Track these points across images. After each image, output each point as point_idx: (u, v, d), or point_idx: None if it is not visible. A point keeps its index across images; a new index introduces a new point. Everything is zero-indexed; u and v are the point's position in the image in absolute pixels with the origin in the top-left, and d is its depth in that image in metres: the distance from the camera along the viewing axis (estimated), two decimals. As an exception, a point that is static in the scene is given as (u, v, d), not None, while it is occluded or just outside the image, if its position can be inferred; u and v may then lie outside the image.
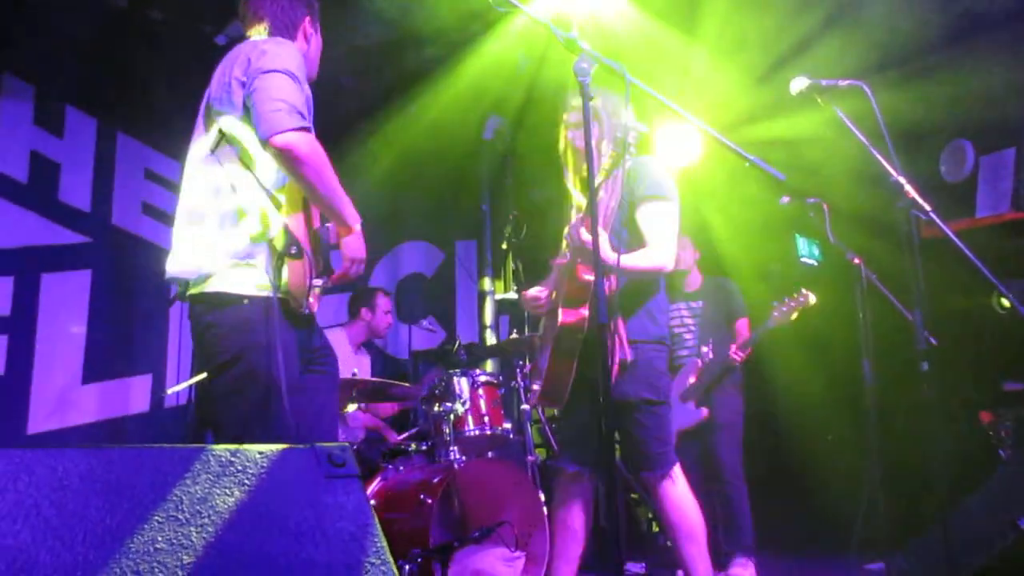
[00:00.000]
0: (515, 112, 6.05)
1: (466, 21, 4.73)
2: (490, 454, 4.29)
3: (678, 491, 2.89)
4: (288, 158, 2.24)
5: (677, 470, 2.91)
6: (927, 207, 2.49)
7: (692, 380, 4.59)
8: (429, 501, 3.52)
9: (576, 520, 3.01)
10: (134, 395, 4.88)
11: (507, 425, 4.24)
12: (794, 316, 4.37)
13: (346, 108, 5.62)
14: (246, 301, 2.30)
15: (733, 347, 4.51)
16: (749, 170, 2.59)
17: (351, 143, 5.50)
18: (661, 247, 2.88)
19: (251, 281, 2.32)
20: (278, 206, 2.36)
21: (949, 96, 4.51)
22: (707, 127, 2.34)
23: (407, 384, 4.53)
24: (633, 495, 5.76)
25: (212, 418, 2.52)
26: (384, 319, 5.22)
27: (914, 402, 2.79)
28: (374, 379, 4.56)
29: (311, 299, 2.41)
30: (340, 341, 5.02)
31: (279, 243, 2.32)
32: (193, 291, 2.38)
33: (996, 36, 4.46)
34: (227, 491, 1.24)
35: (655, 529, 5.43)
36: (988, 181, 4.84)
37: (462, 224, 6.73)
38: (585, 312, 2.79)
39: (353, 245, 2.48)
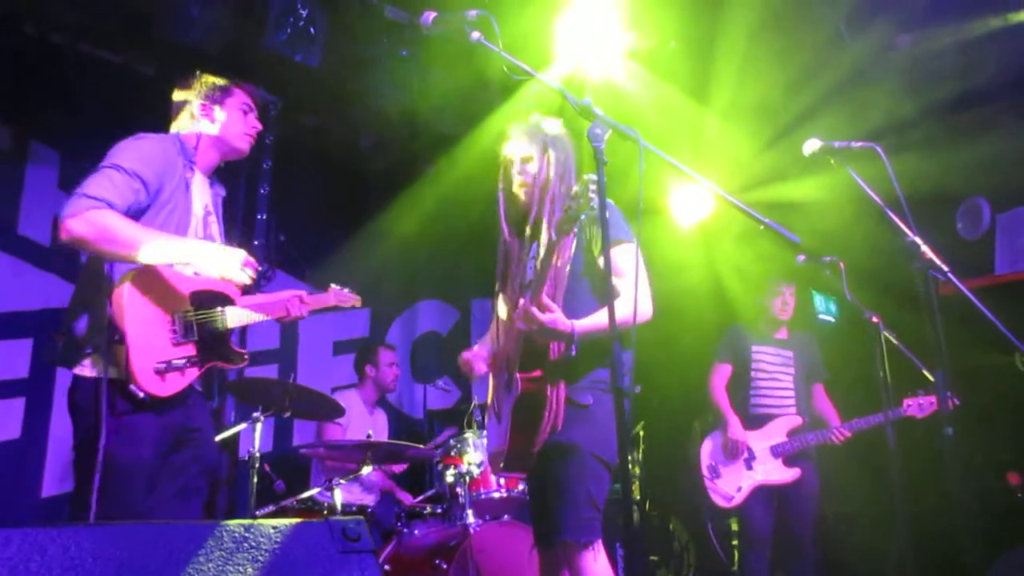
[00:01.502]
0: (530, 173, 6.12)
1: (482, 87, 4.82)
2: (506, 516, 4.22)
3: (599, 568, 2.52)
4: (66, 239, 2.41)
5: (600, 544, 2.56)
6: (944, 267, 2.47)
7: (784, 437, 4.46)
8: (444, 566, 3.47)
9: None
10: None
11: (523, 487, 4.19)
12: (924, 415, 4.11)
13: (367, 171, 5.72)
14: (81, 383, 2.47)
15: (841, 427, 4.37)
16: (764, 229, 2.60)
17: (371, 205, 5.57)
18: (645, 295, 2.62)
19: (87, 363, 2.46)
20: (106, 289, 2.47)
21: (964, 156, 4.53)
22: (721, 191, 2.35)
23: (421, 446, 4.49)
24: (653, 557, 5.66)
25: None
26: (389, 372, 5.21)
27: (939, 465, 2.73)
28: (388, 441, 4.53)
29: (160, 382, 2.45)
30: (353, 403, 5.01)
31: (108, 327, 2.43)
32: None
33: (1007, 97, 4.50)
34: (240, 568, 1.22)
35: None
36: (1005, 238, 4.83)
37: (477, 283, 6.75)
38: (539, 374, 2.60)
39: (210, 266, 2.54)
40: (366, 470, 4.05)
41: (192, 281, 2.61)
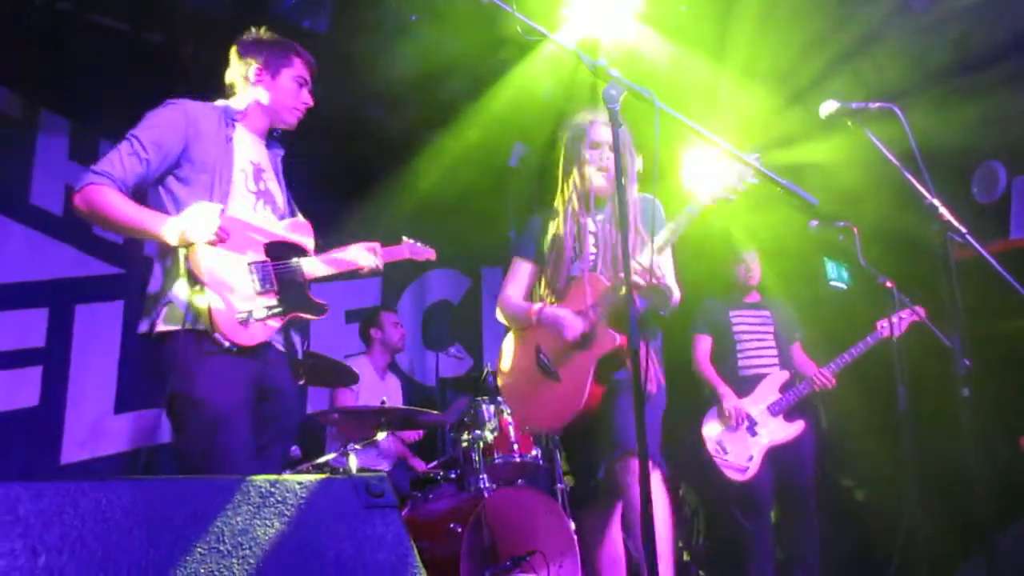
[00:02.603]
0: (541, 139, 6.08)
1: (495, 49, 4.78)
2: (519, 482, 4.26)
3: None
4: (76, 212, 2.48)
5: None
6: (963, 229, 2.46)
7: (778, 394, 4.49)
8: (459, 530, 3.50)
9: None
10: (166, 424, 4.92)
11: (536, 452, 4.22)
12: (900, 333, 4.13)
13: (376, 138, 5.69)
14: (164, 339, 2.48)
15: (821, 370, 4.40)
16: (775, 194, 2.58)
17: (380, 173, 5.55)
18: (675, 284, 3.00)
19: (169, 317, 2.48)
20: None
21: (981, 118, 4.47)
22: (737, 152, 2.33)
23: (435, 412, 4.52)
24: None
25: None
26: (395, 332, 5.25)
27: (952, 428, 2.73)
28: (402, 407, 4.56)
29: (244, 331, 2.45)
30: (365, 370, 5.03)
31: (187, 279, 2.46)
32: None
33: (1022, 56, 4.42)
34: (267, 522, 1.24)
35: (687, 558, 5.36)
36: (1021, 202, 4.77)
37: (488, 251, 6.74)
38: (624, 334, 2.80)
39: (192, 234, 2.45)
40: (380, 436, 4.08)
41: (265, 232, 2.64)
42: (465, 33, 4.63)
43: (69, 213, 4.58)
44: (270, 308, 2.52)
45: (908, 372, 3.64)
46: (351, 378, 4.30)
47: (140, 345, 4.77)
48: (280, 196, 2.82)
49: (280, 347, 2.70)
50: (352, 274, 2.95)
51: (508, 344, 3.23)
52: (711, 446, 4.49)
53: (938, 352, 4.11)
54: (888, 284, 3.79)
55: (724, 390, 4.51)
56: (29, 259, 4.51)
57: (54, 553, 1.06)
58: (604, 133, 3.04)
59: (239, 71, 2.81)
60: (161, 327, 2.47)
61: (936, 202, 2.49)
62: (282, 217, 2.80)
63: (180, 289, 2.46)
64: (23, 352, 4.43)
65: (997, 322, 4.28)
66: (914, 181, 2.49)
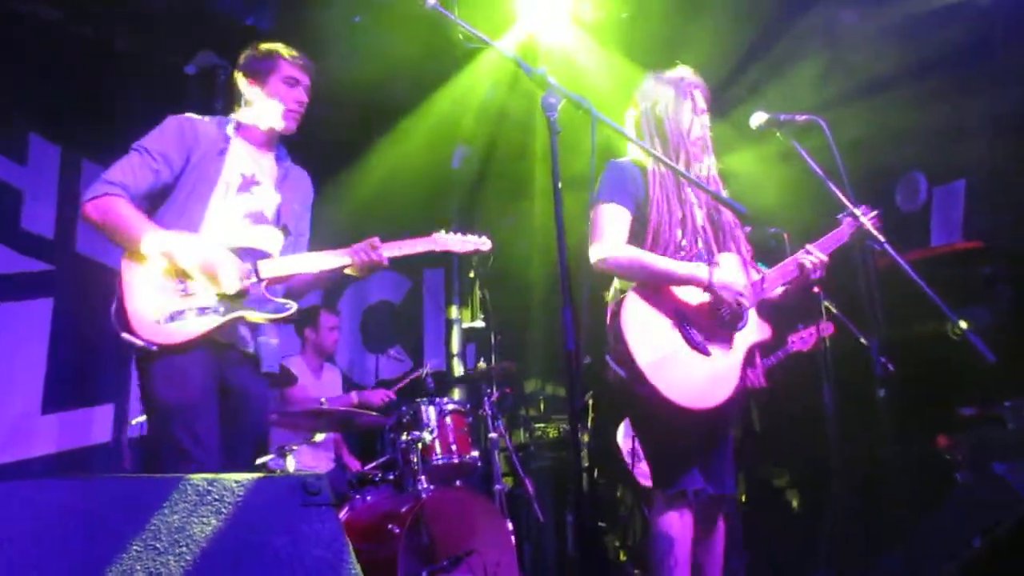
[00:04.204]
0: (483, 142, 6.13)
1: (438, 52, 4.80)
2: (458, 483, 4.28)
3: None
4: (86, 221, 2.62)
5: None
6: (881, 238, 2.58)
7: None
8: (397, 531, 3.51)
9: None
10: (96, 425, 4.80)
11: (475, 453, 4.25)
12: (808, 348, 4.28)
13: (319, 139, 5.65)
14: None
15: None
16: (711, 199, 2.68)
17: (324, 172, 5.51)
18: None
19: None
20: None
21: (904, 130, 4.67)
22: (669, 161, 2.41)
23: (374, 412, 4.52)
24: (601, 523, 5.78)
25: None
26: (329, 336, 5.15)
27: (874, 427, 2.86)
28: (341, 408, 4.54)
29: (161, 330, 2.54)
30: (300, 370, 4.98)
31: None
32: None
33: (946, 73, 4.64)
34: (205, 520, 1.25)
35: (623, 558, 5.45)
36: (941, 211, 5.00)
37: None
38: None
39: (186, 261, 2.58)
40: (319, 437, 4.06)
41: (234, 241, 2.70)
42: (408, 36, 4.65)
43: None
44: (201, 309, 2.56)
45: (835, 372, 3.79)
46: (287, 380, 4.27)
47: (71, 344, 4.69)
48: (271, 207, 2.85)
49: (247, 350, 2.74)
50: None
51: (635, 303, 2.74)
52: (625, 452, 4.57)
53: (864, 353, 4.29)
54: (816, 289, 3.93)
55: None
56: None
57: (-12, 552, 1.05)
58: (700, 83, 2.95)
59: (238, 86, 2.88)
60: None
61: (857, 211, 2.61)
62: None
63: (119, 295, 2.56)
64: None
65: (918, 326, 4.48)
66: (836, 191, 2.60)
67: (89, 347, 4.79)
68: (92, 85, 4.78)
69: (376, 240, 2.86)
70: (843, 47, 4.66)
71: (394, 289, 6.80)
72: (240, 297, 2.64)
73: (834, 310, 3.87)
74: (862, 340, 3.78)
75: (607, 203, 2.78)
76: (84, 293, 4.82)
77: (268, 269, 2.71)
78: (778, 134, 2.84)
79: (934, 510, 3.31)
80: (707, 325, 2.76)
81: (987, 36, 4.54)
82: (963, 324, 3.24)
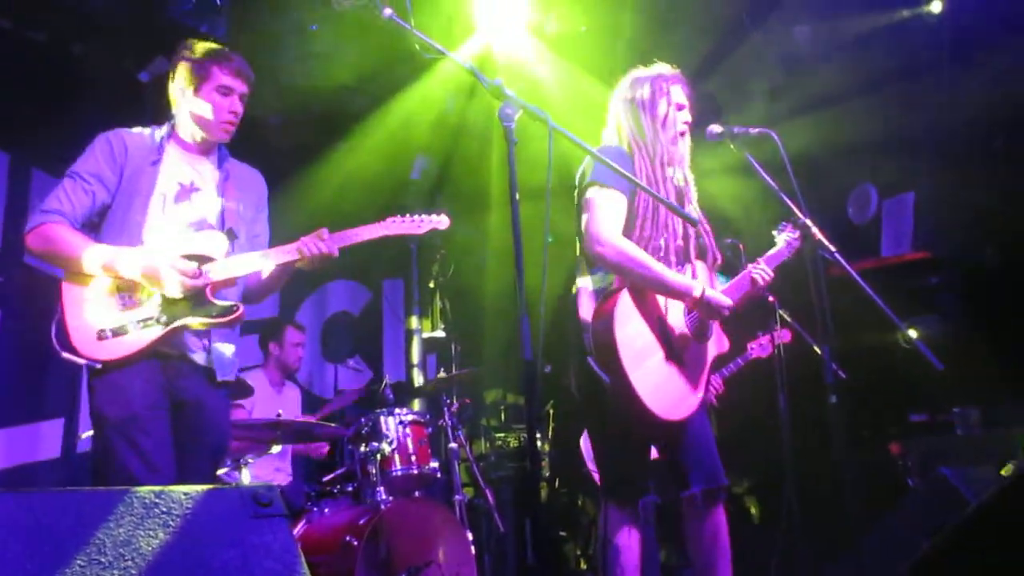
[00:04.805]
0: (442, 152, 6.13)
1: (394, 65, 4.80)
2: (417, 494, 4.26)
3: None
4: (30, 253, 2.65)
5: None
6: (831, 248, 2.64)
7: None
8: (355, 543, 3.48)
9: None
10: (44, 440, 4.68)
11: (434, 464, 4.23)
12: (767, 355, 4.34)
13: (274, 147, 5.60)
14: None
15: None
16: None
17: (278, 183, 5.46)
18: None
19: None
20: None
21: (856, 143, 4.78)
22: (624, 172, 2.43)
23: (332, 424, 4.47)
24: (561, 532, 5.79)
25: None
26: (294, 352, 5.07)
27: (826, 434, 2.91)
28: (299, 419, 4.49)
29: (102, 347, 2.52)
30: (261, 383, 4.92)
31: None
32: None
33: (895, 87, 4.77)
34: (151, 533, 1.23)
35: (583, 566, 5.47)
36: (891, 222, 5.12)
37: (389, 263, 6.72)
38: None
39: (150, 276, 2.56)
40: (275, 449, 4.01)
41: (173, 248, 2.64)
42: (365, 45, 4.64)
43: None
44: (142, 321, 2.54)
45: (789, 379, 3.85)
46: (244, 391, 4.20)
47: (19, 357, 4.57)
48: (213, 212, 2.77)
49: (199, 361, 2.68)
50: None
51: (626, 306, 2.68)
52: (587, 458, 4.60)
53: (818, 361, 4.37)
54: (771, 299, 4.00)
55: None
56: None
57: (-78, 568, 1.02)
58: (682, 93, 2.91)
59: (171, 87, 2.79)
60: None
61: (808, 222, 2.66)
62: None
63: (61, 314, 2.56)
64: None
65: (869, 334, 4.58)
66: (788, 202, 2.65)
67: (37, 360, 4.66)
68: (44, 92, 4.69)
69: (324, 231, 2.79)
70: (796, 61, 4.76)
71: (353, 300, 6.75)
72: (184, 303, 2.59)
73: (788, 318, 3.93)
74: (815, 348, 3.84)
75: (606, 187, 2.69)
76: (32, 305, 4.70)
77: (214, 271, 2.64)
78: (732, 146, 2.89)
79: (885, 514, 3.38)
80: (681, 336, 2.78)
81: (935, 52, 4.67)
82: (912, 333, 3.32)
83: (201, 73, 2.72)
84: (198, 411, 2.65)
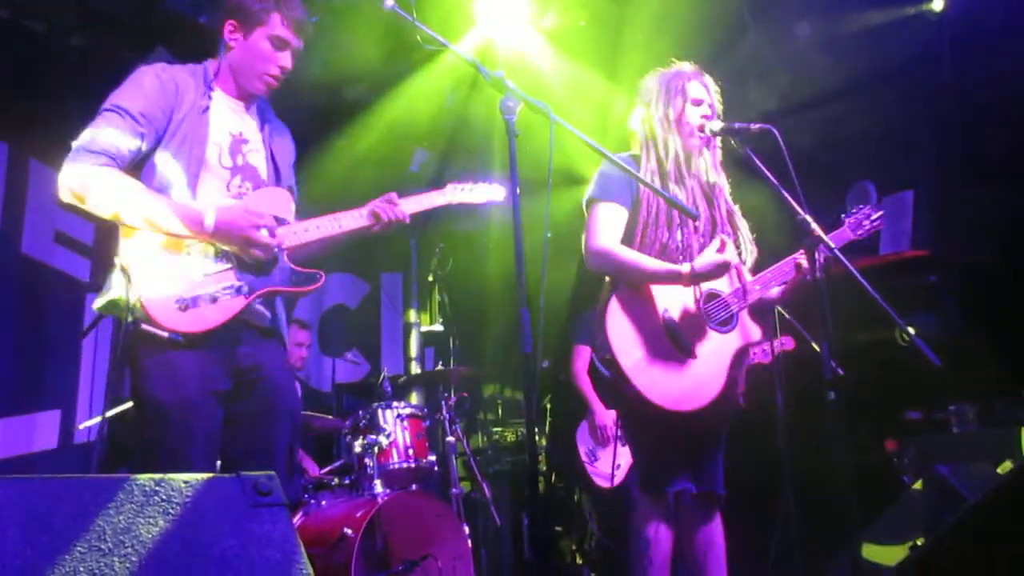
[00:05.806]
0: (442, 145, 6.12)
1: (397, 54, 4.79)
2: (414, 487, 4.26)
3: None
4: (65, 200, 2.24)
5: None
6: (832, 244, 2.63)
7: None
8: (352, 535, 3.48)
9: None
10: (41, 431, 4.68)
11: (432, 457, 4.24)
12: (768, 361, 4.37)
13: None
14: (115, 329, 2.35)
15: None
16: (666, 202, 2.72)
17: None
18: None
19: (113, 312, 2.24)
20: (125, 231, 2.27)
21: (856, 139, 4.78)
22: (625, 166, 2.43)
23: (330, 417, 4.48)
24: (557, 527, 5.80)
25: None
26: (296, 352, 5.05)
27: (823, 431, 2.91)
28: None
29: (186, 317, 2.20)
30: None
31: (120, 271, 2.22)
32: None
33: (895, 84, 4.76)
34: (151, 520, 1.23)
35: (579, 561, 5.47)
36: (890, 221, 5.12)
37: (388, 256, 6.72)
38: None
39: (225, 236, 2.28)
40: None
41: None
42: (367, 38, 4.63)
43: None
44: (226, 288, 2.26)
45: (788, 376, 3.86)
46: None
47: (16, 347, 4.57)
48: (265, 168, 2.54)
49: (263, 323, 2.41)
50: None
51: (618, 306, 2.75)
52: (583, 452, 4.61)
53: (813, 360, 4.37)
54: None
55: (597, 406, 4.63)
56: None
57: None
58: (702, 89, 2.95)
59: (221, 28, 2.48)
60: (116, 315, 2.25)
61: (809, 218, 2.66)
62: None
63: (117, 283, 2.20)
64: None
65: (867, 331, 4.58)
66: (788, 198, 2.65)
67: (34, 351, 4.67)
68: (42, 82, 4.68)
69: (394, 195, 2.60)
70: (796, 58, 4.75)
71: (351, 293, 6.75)
72: (262, 268, 2.35)
73: (787, 315, 3.93)
74: (814, 345, 3.84)
75: (602, 202, 2.82)
76: (29, 296, 4.70)
77: (290, 237, 2.41)
78: (733, 142, 2.88)
79: (882, 513, 3.39)
80: (695, 327, 2.77)
81: (935, 49, 4.67)
82: (910, 330, 3.32)
83: (259, 15, 2.43)
84: (268, 377, 2.40)
